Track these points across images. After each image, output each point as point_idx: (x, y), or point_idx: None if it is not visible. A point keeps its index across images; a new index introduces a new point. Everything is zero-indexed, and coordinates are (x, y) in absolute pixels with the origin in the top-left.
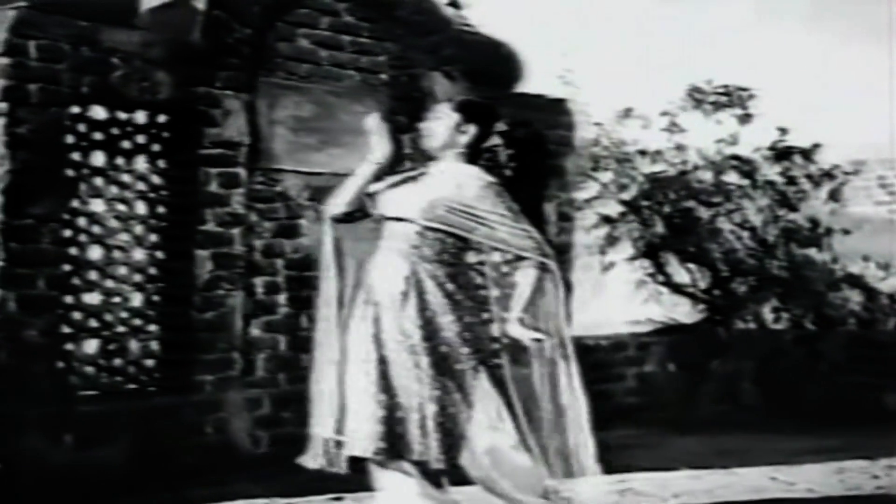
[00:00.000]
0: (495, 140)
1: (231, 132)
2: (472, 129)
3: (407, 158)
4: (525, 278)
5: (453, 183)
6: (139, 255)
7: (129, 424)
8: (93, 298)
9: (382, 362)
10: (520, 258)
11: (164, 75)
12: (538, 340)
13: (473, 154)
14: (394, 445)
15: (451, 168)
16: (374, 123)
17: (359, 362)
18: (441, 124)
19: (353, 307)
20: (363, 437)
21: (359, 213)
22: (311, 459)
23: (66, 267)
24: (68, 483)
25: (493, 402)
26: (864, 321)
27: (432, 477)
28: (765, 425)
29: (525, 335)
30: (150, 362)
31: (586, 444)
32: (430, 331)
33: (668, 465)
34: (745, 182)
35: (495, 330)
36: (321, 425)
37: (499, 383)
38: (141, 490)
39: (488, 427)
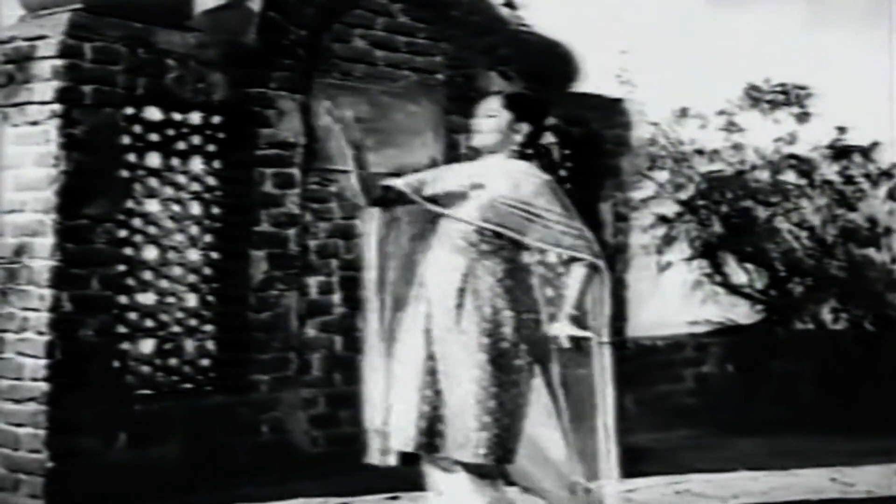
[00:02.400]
0: (549, 137)
1: (286, 133)
2: (524, 126)
3: (461, 156)
4: (575, 278)
5: (510, 180)
6: (194, 255)
7: (185, 424)
8: (148, 298)
9: (431, 358)
10: (573, 259)
11: (219, 76)
12: (585, 339)
13: (526, 150)
14: (436, 441)
15: (504, 165)
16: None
17: (407, 357)
18: (493, 120)
19: (405, 302)
20: (405, 431)
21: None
22: (369, 456)
23: (121, 267)
24: (124, 482)
25: (544, 399)
26: None
27: (487, 475)
28: (823, 426)
29: (569, 333)
30: (205, 362)
31: (611, 449)
32: (488, 327)
33: (727, 466)
34: (803, 181)
35: (549, 329)
36: (371, 420)
37: (549, 381)
38: (196, 489)
39: (538, 424)
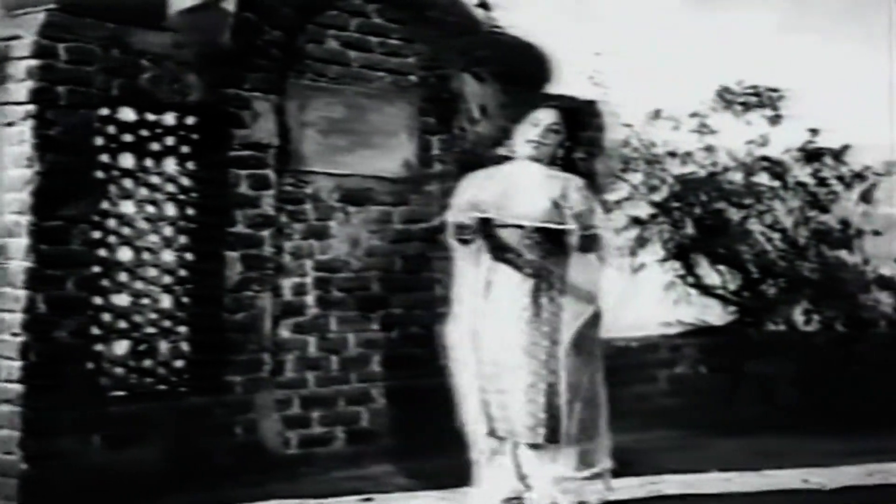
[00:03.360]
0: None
1: (261, 134)
2: (563, 134)
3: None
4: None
5: (557, 185)
6: (168, 256)
7: (160, 425)
8: (122, 300)
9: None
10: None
11: (194, 77)
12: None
13: (560, 158)
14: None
15: (537, 170)
16: None
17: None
18: (554, 135)
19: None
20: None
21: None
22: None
23: (96, 268)
24: (99, 484)
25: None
26: (894, 323)
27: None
28: (796, 427)
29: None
30: (180, 363)
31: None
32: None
33: (700, 468)
34: (776, 183)
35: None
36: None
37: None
38: (172, 491)
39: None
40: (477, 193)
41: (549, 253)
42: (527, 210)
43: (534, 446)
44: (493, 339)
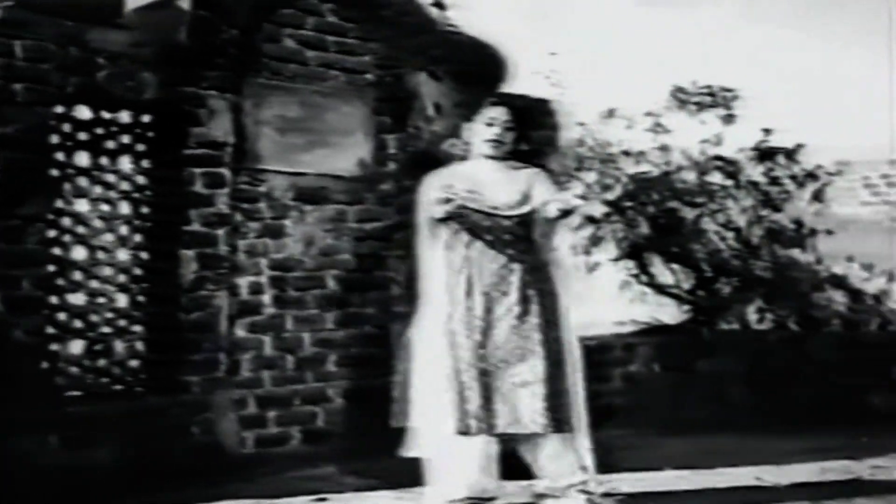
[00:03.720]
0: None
1: (216, 132)
2: (516, 130)
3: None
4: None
5: (523, 178)
6: (124, 255)
7: (116, 425)
8: (77, 299)
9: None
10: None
11: (150, 75)
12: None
13: (513, 153)
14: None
15: (499, 166)
16: None
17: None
18: (510, 133)
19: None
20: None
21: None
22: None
23: (51, 267)
24: (55, 485)
25: None
26: (848, 322)
27: None
28: (751, 426)
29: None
30: (135, 363)
31: None
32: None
33: (654, 466)
34: (729, 182)
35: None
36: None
37: None
38: (129, 491)
39: None
40: (448, 186)
41: (527, 245)
42: (500, 202)
43: (542, 436)
44: (483, 337)
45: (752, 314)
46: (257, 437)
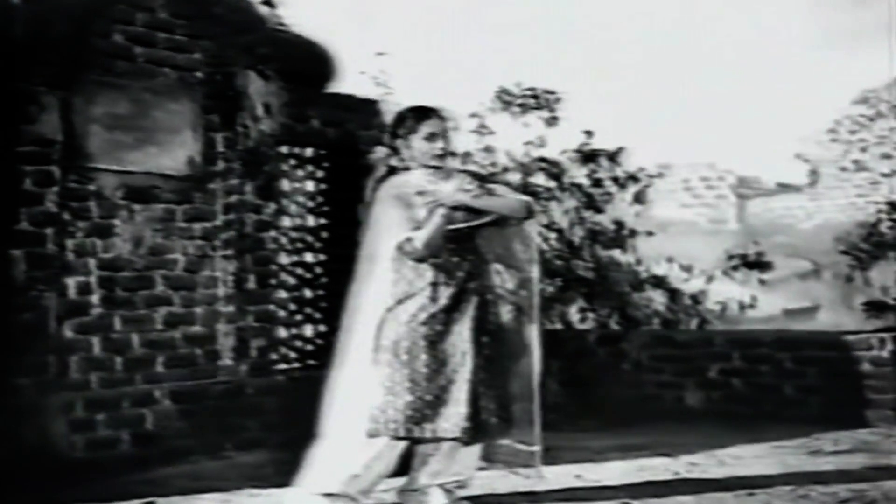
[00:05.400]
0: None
1: (46, 129)
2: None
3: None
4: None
5: (458, 183)
6: None
7: None
8: None
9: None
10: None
11: None
12: None
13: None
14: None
15: (434, 174)
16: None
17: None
18: (441, 141)
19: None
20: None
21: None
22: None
23: None
24: None
25: None
26: (667, 321)
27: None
28: (570, 424)
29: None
30: None
31: None
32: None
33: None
34: (553, 184)
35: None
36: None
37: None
38: None
39: None
40: (423, 193)
41: (466, 252)
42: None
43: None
44: (415, 346)
45: (574, 314)
46: (87, 440)
